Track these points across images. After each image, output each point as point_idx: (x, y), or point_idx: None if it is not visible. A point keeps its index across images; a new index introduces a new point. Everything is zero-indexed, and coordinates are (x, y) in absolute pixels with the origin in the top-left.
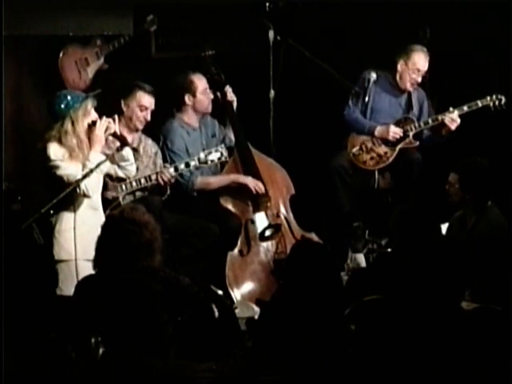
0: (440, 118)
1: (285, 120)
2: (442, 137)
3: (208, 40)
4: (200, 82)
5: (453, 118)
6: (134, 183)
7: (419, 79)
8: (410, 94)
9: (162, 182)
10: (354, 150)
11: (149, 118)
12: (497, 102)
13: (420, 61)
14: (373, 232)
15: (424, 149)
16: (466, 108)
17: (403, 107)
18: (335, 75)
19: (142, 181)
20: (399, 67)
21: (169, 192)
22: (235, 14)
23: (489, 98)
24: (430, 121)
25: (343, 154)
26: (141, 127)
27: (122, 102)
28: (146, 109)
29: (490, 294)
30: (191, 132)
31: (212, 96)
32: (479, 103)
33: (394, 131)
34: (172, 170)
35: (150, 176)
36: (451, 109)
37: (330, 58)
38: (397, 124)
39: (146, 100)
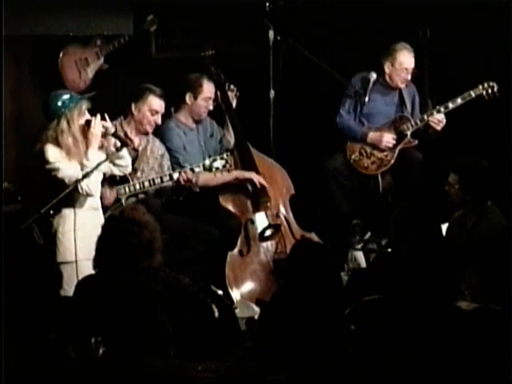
0: (426, 117)
1: (285, 120)
2: (429, 135)
3: (208, 40)
4: (207, 89)
5: (439, 120)
6: (137, 185)
7: (409, 77)
8: (400, 90)
9: (182, 182)
10: (354, 156)
11: (159, 121)
12: (490, 90)
13: (406, 59)
14: (373, 232)
15: (423, 147)
16: (459, 100)
17: (396, 104)
18: (335, 75)
19: (146, 184)
20: (386, 69)
21: (185, 193)
22: (235, 13)
23: (481, 87)
24: (425, 117)
25: (337, 156)
26: (150, 130)
27: (133, 106)
28: (157, 113)
29: (490, 293)
30: (188, 132)
31: (211, 108)
32: (472, 93)
33: (387, 140)
34: (200, 168)
35: (153, 179)
36: (450, 103)
37: (329, 57)
38: (393, 123)
39: (157, 104)
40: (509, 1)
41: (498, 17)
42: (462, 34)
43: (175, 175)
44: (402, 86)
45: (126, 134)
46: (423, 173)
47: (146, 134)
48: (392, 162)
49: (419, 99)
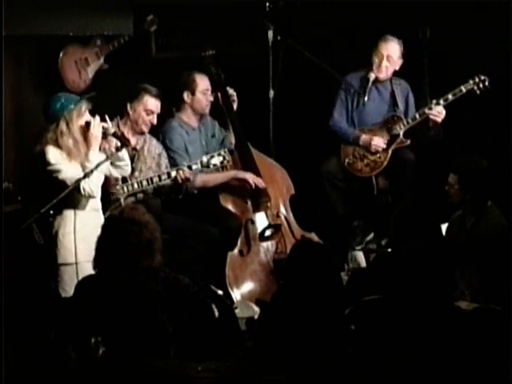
0: (426, 111)
1: (284, 120)
2: (429, 130)
3: (208, 40)
4: (201, 82)
5: (439, 111)
6: (135, 185)
7: (384, 64)
8: (392, 88)
9: (180, 180)
10: (347, 159)
11: (155, 121)
12: (481, 85)
13: (386, 46)
14: (373, 232)
15: (417, 145)
16: (450, 96)
17: (388, 103)
18: (335, 75)
19: (144, 183)
20: (372, 59)
21: (184, 191)
22: (235, 13)
23: (472, 82)
24: (417, 116)
25: (331, 159)
26: (146, 130)
27: (129, 106)
28: (153, 113)
29: (490, 293)
30: (190, 132)
31: (212, 98)
32: (463, 88)
33: (377, 144)
34: (198, 165)
35: (151, 178)
36: (441, 100)
37: (329, 57)
38: (385, 124)
39: (153, 104)
40: (509, 1)
41: (498, 17)
42: (461, 33)
43: (173, 173)
44: (381, 76)
45: (122, 134)
46: (421, 172)
47: (142, 133)
48: (385, 163)
49: (419, 98)
